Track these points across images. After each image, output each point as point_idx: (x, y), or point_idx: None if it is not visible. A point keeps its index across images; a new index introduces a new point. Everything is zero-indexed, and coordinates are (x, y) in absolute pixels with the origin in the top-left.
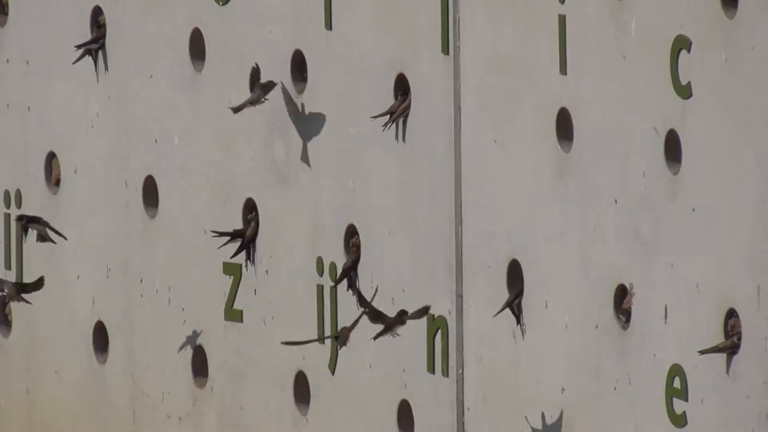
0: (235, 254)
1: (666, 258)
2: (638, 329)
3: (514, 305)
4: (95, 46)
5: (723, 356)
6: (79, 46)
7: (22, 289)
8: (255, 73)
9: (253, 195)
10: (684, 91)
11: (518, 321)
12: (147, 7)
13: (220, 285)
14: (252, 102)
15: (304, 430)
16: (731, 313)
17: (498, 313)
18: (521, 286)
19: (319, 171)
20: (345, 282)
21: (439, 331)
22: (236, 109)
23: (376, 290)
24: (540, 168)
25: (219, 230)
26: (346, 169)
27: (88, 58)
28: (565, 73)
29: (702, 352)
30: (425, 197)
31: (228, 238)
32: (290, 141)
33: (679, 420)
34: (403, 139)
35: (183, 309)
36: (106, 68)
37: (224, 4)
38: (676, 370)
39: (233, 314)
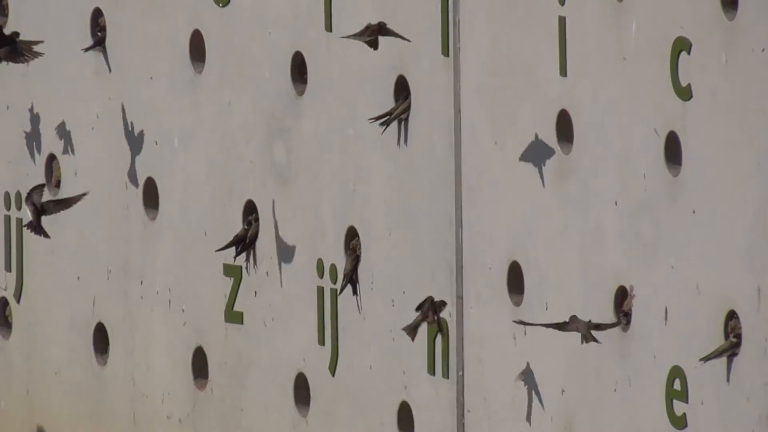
0: (238, 254)
1: (666, 259)
2: (638, 331)
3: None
4: (99, 47)
5: (723, 358)
6: (86, 49)
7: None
8: None
9: (254, 197)
10: (684, 93)
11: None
12: (147, 8)
13: (220, 287)
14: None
15: (304, 431)
16: (731, 315)
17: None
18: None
19: (319, 172)
20: (349, 286)
21: (440, 333)
22: None
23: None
24: (540, 169)
25: (222, 244)
26: (347, 170)
27: (91, 56)
28: (565, 75)
29: (703, 360)
30: (425, 199)
31: (229, 242)
32: (290, 142)
33: (679, 422)
34: (404, 140)
35: (183, 310)
36: (109, 70)
37: (224, 5)
38: (676, 372)
39: (233, 316)
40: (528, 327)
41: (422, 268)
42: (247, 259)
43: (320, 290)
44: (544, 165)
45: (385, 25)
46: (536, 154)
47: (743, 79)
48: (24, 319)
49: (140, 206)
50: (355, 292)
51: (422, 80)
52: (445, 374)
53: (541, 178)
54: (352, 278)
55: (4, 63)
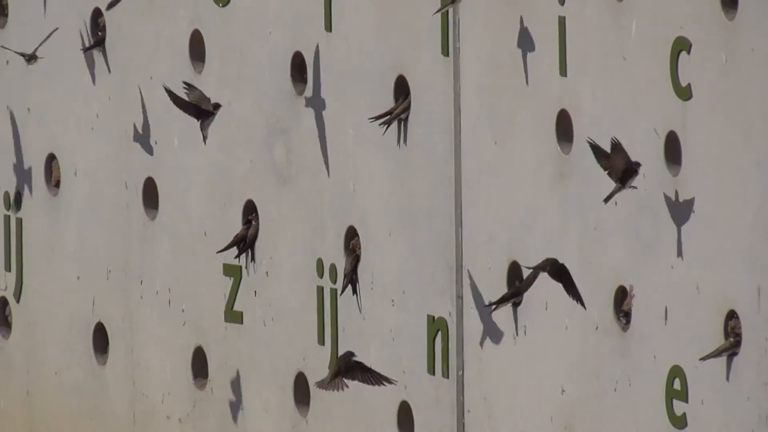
0: (239, 254)
1: (666, 259)
2: (638, 330)
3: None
4: (98, 47)
5: (723, 357)
6: (86, 50)
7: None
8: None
9: (253, 197)
10: (684, 93)
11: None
12: (147, 8)
13: (220, 286)
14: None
15: (304, 431)
16: (731, 315)
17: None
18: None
19: (319, 172)
20: (349, 286)
21: (440, 333)
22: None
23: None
24: (540, 169)
25: (222, 244)
26: (346, 170)
27: (91, 56)
28: (565, 75)
29: (703, 359)
30: (425, 199)
31: (230, 242)
32: (290, 142)
33: (679, 421)
34: (404, 140)
35: (183, 310)
36: (108, 70)
37: (224, 5)
38: (676, 372)
39: (233, 316)
40: (528, 326)
41: (422, 268)
42: (247, 259)
43: (320, 290)
44: (544, 165)
45: None
46: (536, 153)
47: (743, 79)
48: (24, 319)
49: (140, 206)
50: (354, 291)
51: (422, 80)
52: (445, 374)
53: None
54: (352, 278)
55: (3, 63)
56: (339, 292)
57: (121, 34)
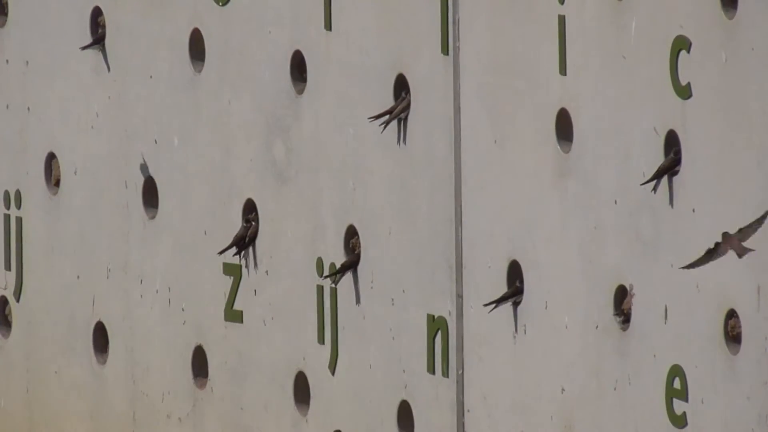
0: (238, 253)
1: (666, 258)
2: (638, 330)
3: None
4: (98, 46)
5: (723, 357)
6: (84, 47)
7: None
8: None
9: (253, 195)
10: (684, 92)
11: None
12: (147, 7)
13: (220, 285)
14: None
15: (304, 430)
16: (731, 314)
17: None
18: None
19: (319, 171)
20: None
21: (439, 332)
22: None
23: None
24: (540, 168)
25: (221, 243)
26: (346, 169)
27: (90, 55)
28: (565, 74)
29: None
30: (425, 197)
31: (230, 243)
32: (290, 141)
33: (679, 421)
34: (404, 139)
35: (183, 309)
36: (108, 69)
37: (224, 4)
38: (676, 371)
39: (233, 315)
40: (527, 325)
41: (422, 267)
42: (247, 258)
43: (320, 289)
44: (544, 164)
45: None
46: (536, 153)
47: (743, 78)
48: (24, 318)
49: (140, 205)
50: (335, 281)
51: (422, 79)
52: (445, 373)
53: (541, 177)
54: (343, 272)
55: (3, 62)
56: (324, 275)
57: (121, 34)
